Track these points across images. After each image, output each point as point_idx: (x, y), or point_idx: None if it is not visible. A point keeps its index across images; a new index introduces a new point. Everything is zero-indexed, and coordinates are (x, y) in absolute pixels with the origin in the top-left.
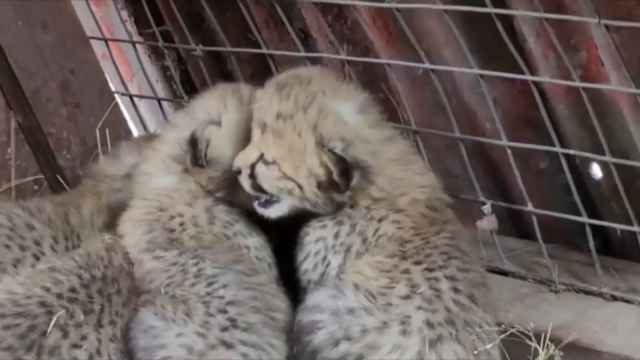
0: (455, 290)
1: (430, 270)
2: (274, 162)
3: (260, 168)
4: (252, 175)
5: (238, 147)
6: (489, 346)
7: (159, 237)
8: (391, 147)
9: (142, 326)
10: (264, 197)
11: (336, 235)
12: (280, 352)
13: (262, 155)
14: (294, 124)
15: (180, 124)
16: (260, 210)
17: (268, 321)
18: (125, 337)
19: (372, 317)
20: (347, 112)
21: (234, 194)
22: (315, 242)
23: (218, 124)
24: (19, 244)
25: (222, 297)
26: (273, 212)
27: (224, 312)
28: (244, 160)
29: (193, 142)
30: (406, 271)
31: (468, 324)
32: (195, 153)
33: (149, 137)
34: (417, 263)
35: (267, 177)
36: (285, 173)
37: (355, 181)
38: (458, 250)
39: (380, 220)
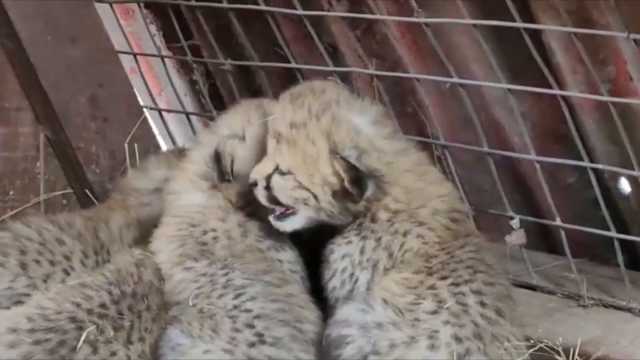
0: (482, 304)
1: (457, 285)
2: (288, 172)
3: (275, 179)
4: (268, 187)
5: None
6: None
7: (190, 249)
8: (406, 158)
9: (170, 344)
10: (278, 210)
11: (362, 251)
12: None
13: (277, 167)
14: (307, 132)
15: (205, 141)
16: (276, 224)
17: (296, 334)
18: (154, 354)
19: (400, 331)
20: (361, 122)
21: (261, 208)
22: (342, 259)
23: (242, 138)
24: (49, 259)
25: (249, 311)
26: (288, 225)
27: (251, 326)
28: (259, 172)
29: (217, 158)
30: (432, 287)
31: (496, 337)
32: (220, 168)
33: (177, 152)
34: (443, 278)
35: (282, 188)
36: (300, 182)
37: (369, 191)
38: (483, 263)
39: (405, 235)
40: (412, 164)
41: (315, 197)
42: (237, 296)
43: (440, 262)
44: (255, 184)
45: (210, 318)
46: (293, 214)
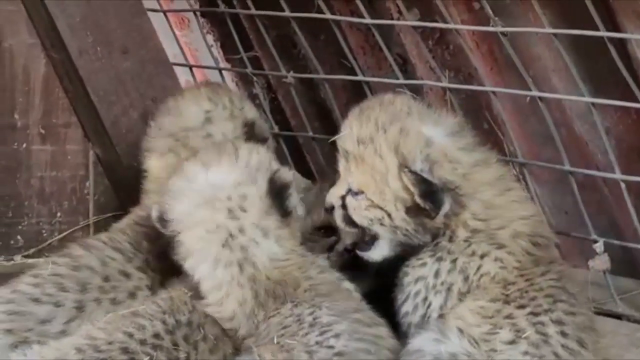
0: (563, 334)
1: (536, 314)
2: (360, 191)
3: (349, 200)
4: (344, 206)
5: None
6: None
7: (272, 306)
8: (485, 170)
9: None
10: (359, 238)
11: (437, 274)
12: None
13: (349, 187)
14: (374, 147)
15: None
16: (363, 255)
17: None
18: None
19: None
20: (435, 134)
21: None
22: (415, 282)
23: None
24: (112, 297)
25: (331, 347)
26: (376, 253)
27: None
28: (333, 195)
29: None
30: (509, 316)
31: None
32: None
33: None
34: (521, 307)
35: (356, 208)
36: (372, 201)
37: (446, 205)
38: (565, 292)
39: (482, 257)
40: (492, 177)
41: (389, 215)
42: (322, 333)
43: (518, 290)
44: (332, 209)
45: (287, 352)
46: (375, 239)
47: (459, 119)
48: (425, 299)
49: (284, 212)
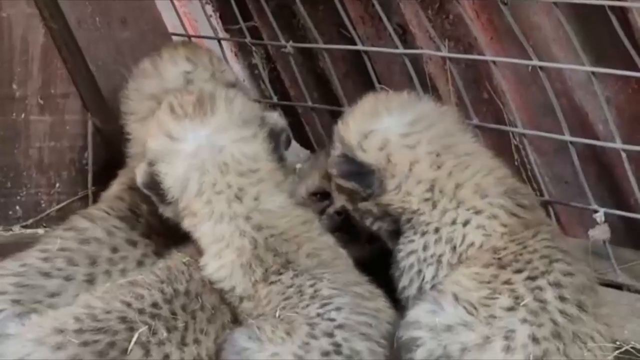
0: (562, 299)
1: (533, 278)
2: None
3: None
4: None
5: None
6: None
7: (272, 265)
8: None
9: (235, 348)
10: None
11: (425, 247)
12: None
13: None
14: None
15: None
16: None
17: (376, 349)
18: (212, 358)
19: (473, 332)
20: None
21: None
22: (408, 256)
23: None
24: (121, 268)
25: (332, 320)
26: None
27: (330, 335)
28: None
29: None
30: (508, 281)
31: (577, 336)
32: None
33: None
34: (518, 271)
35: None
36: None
37: (359, 184)
38: (560, 251)
39: (465, 225)
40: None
41: (348, 201)
42: (322, 305)
43: (512, 253)
44: None
45: (288, 323)
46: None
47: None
48: (420, 271)
49: (281, 158)
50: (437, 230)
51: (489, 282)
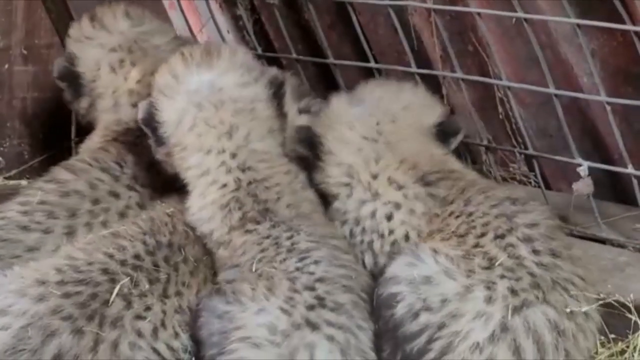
0: (535, 252)
1: (501, 236)
2: None
3: None
4: None
5: None
6: (585, 308)
7: (250, 211)
8: None
9: (215, 313)
10: None
11: (351, 235)
12: (369, 336)
13: None
14: None
15: None
16: None
17: (359, 302)
18: (194, 325)
19: (454, 281)
20: None
21: None
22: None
23: None
24: (102, 220)
25: (311, 273)
26: None
27: (312, 289)
28: None
29: None
30: (477, 245)
31: (557, 282)
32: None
33: None
34: (482, 235)
35: None
36: None
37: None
38: (510, 201)
39: (389, 219)
40: None
41: None
42: (301, 259)
43: (463, 223)
44: None
45: (267, 279)
46: None
47: None
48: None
49: (280, 108)
50: (357, 220)
51: (459, 246)
